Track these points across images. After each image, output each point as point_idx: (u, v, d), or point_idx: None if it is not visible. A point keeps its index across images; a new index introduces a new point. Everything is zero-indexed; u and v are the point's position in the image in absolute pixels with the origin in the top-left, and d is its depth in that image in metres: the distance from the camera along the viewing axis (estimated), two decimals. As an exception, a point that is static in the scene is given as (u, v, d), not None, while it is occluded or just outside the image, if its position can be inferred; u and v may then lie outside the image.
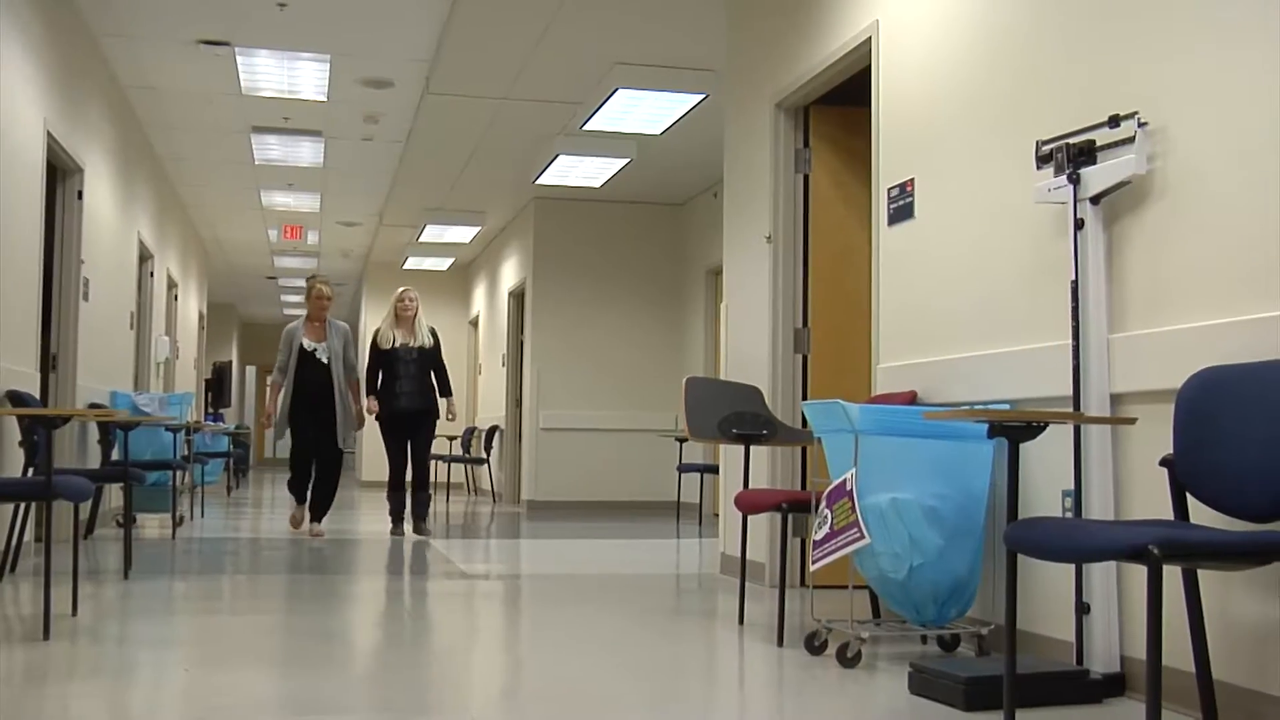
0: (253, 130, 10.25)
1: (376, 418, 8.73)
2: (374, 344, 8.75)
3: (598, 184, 11.49)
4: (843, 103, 5.86)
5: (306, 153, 11.00)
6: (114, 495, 9.20)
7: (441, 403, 8.85)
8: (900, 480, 3.89)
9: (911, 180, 4.75)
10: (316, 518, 8.81)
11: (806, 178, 6.00)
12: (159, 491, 8.89)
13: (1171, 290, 3.37)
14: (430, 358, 8.80)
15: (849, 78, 5.53)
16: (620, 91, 8.36)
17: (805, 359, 5.94)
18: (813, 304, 5.95)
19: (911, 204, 4.74)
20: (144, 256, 10.94)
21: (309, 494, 8.88)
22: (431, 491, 9.00)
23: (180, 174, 12.15)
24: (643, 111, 8.93)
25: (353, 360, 8.73)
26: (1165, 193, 3.40)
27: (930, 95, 4.64)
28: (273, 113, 9.74)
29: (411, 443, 8.78)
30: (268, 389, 8.65)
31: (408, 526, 8.97)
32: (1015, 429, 3.00)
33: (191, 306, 15.65)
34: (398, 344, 8.69)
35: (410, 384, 8.66)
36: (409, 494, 8.83)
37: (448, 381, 8.97)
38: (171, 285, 13.16)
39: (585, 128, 9.38)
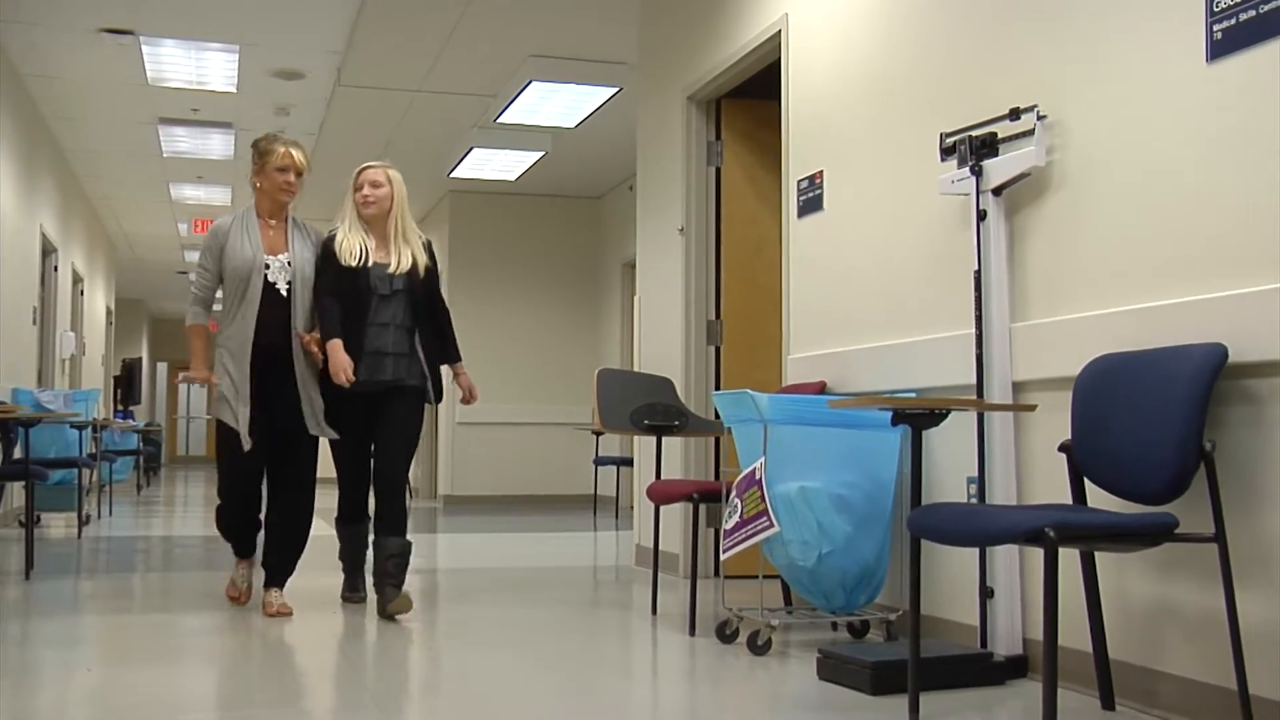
0: (160, 122, 10.06)
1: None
2: (327, 255, 4.75)
3: (513, 177, 11.45)
4: (754, 96, 5.90)
5: (216, 145, 10.82)
6: (17, 494, 8.98)
7: (461, 379, 4.97)
8: (809, 469, 3.93)
9: (821, 172, 4.80)
10: (277, 581, 4.76)
11: (718, 170, 6.03)
12: (64, 490, 8.70)
13: (1070, 280, 3.44)
14: (425, 290, 4.80)
15: (759, 71, 5.57)
16: (534, 84, 8.34)
17: (718, 350, 5.98)
18: (725, 296, 5.98)
19: (821, 196, 4.79)
20: (47, 250, 10.69)
21: (260, 537, 4.89)
22: (412, 538, 4.79)
23: (85, 166, 11.88)
24: (557, 104, 8.91)
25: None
26: (1064, 184, 3.47)
27: (839, 88, 4.69)
28: (181, 104, 9.57)
29: (379, 445, 4.76)
30: (191, 336, 4.80)
31: (366, 585, 5.03)
32: (918, 416, 3.05)
33: (99, 302, 15.33)
34: (368, 261, 4.71)
35: (387, 335, 4.69)
36: (371, 535, 4.83)
37: (452, 334, 4.96)
38: (77, 280, 12.88)
39: (499, 120, 9.34)
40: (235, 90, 9.07)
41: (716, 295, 6.00)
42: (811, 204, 4.85)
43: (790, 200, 5.04)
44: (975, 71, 3.86)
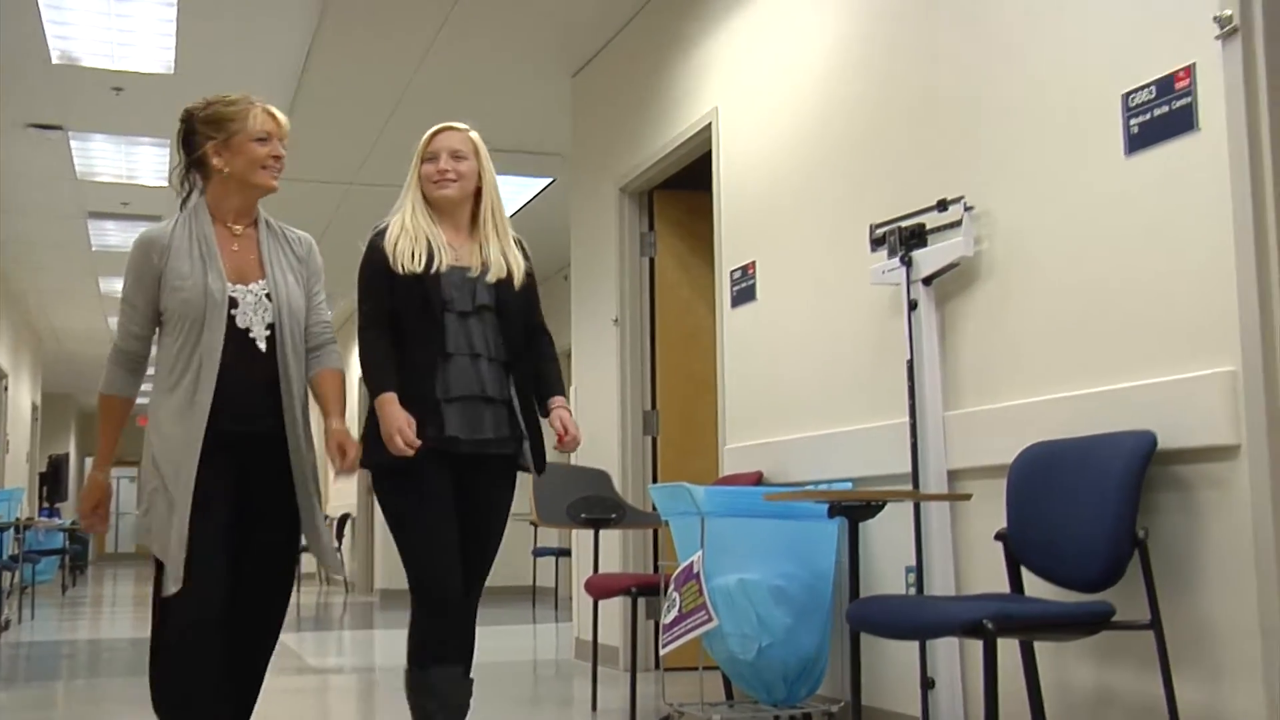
0: (89, 216, 9.97)
1: (369, 464, 3.18)
2: (372, 262, 3.32)
3: (448, 267, 11.46)
4: (686, 186, 5.96)
5: (146, 238, 10.72)
6: (-64, 599, 8.70)
7: (555, 414, 3.32)
8: (747, 561, 3.91)
9: (753, 263, 4.84)
10: None
11: (652, 260, 6.07)
12: (-15, 593, 8.45)
13: (1001, 368, 3.48)
14: (523, 309, 3.35)
15: (692, 162, 5.64)
16: (468, 176, 8.37)
17: (655, 441, 5.96)
18: (661, 386, 5.98)
19: (754, 286, 4.82)
20: (-29, 347, 10.50)
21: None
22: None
23: (12, 260, 11.72)
24: (491, 195, 8.95)
25: (328, 325, 3.26)
26: (992, 273, 3.52)
27: (769, 180, 4.75)
28: (110, 198, 9.49)
29: (469, 532, 3.26)
30: (100, 415, 3.04)
31: None
32: (854, 509, 3.05)
33: (24, 397, 15.04)
34: (439, 264, 3.23)
35: (482, 372, 3.23)
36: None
37: (557, 365, 3.46)
38: (0, 376, 12.64)
39: (434, 212, 9.36)
40: (167, 184, 9.00)
41: (652, 385, 6.00)
42: (745, 294, 4.89)
43: (723, 291, 5.07)
44: (903, 163, 3.93)
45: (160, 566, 2.88)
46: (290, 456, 3.00)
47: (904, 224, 3.75)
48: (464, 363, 3.19)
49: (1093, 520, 2.84)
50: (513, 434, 3.27)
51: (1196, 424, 2.81)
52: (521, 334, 3.31)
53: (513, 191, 8.82)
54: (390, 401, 3.09)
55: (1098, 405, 3.07)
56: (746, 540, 3.92)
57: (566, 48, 6.49)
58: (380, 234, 3.29)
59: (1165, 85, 2.95)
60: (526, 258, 3.37)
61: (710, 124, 5.21)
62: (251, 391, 2.97)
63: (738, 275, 4.95)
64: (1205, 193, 2.84)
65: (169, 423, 2.92)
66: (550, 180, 8.51)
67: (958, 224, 3.57)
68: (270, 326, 3.01)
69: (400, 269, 3.19)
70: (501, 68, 6.81)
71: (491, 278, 3.25)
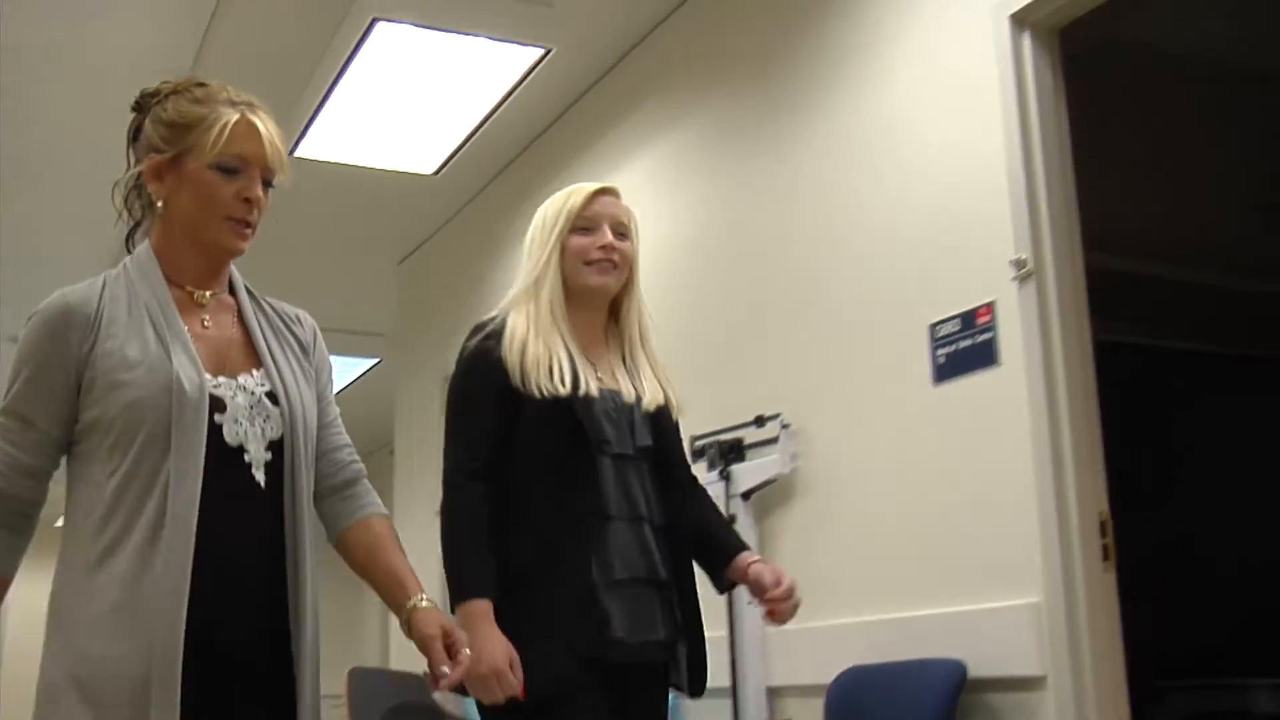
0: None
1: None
2: (484, 381, 2.30)
3: (271, 440, 11.19)
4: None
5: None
6: None
7: (754, 570, 2.36)
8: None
9: (577, 462, 4.81)
10: None
11: (477, 449, 5.99)
12: None
13: (820, 586, 3.47)
14: (681, 446, 2.51)
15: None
16: (294, 354, 8.26)
17: (477, 636, 5.79)
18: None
19: (577, 486, 4.78)
20: None
21: None
22: None
23: None
24: (317, 373, 8.84)
25: (352, 449, 2.17)
26: (809, 491, 3.56)
27: (593, 381, 4.76)
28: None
29: None
30: None
31: None
32: (671, 742, 2.98)
33: None
34: (589, 387, 2.25)
35: (649, 544, 2.26)
36: None
37: (719, 511, 2.58)
38: None
39: (258, 388, 9.18)
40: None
41: (476, 578, 5.85)
42: (568, 494, 4.84)
43: (547, 488, 5.02)
44: (723, 377, 3.97)
45: None
46: (298, 677, 1.83)
47: (723, 438, 3.78)
48: (626, 530, 2.19)
49: (908, 750, 2.83)
50: (675, 633, 2.28)
51: (1004, 654, 2.85)
52: (685, 487, 2.39)
53: (339, 370, 8.69)
54: (486, 617, 2.07)
55: (911, 630, 3.10)
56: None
57: (393, 235, 6.50)
58: (492, 336, 2.26)
59: (969, 319, 3.07)
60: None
61: (535, 320, 5.22)
62: (241, 559, 1.81)
63: (561, 474, 4.91)
64: (1006, 425, 2.94)
65: (105, 624, 1.69)
66: (376, 360, 8.42)
67: (775, 440, 3.62)
68: (274, 445, 1.87)
69: (536, 391, 2.18)
70: (329, 250, 6.78)
71: (653, 404, 2.31)
